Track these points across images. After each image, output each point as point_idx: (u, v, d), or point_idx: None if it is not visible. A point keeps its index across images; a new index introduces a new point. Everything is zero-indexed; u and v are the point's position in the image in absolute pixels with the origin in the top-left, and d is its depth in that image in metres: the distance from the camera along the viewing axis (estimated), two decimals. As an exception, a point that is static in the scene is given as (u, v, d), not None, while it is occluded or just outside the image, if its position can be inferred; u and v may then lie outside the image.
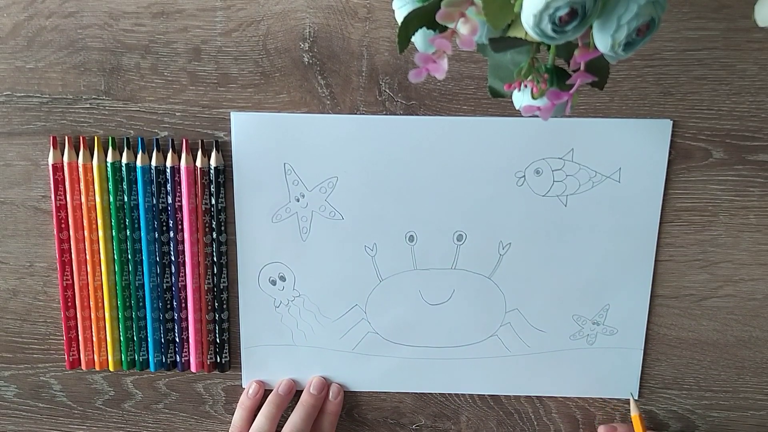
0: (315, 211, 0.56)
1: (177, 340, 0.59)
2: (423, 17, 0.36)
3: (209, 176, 0.55)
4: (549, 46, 0.37)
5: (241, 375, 0.60)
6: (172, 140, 0.55)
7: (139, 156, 0.55)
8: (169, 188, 0.56)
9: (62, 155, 0.55)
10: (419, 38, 0.39)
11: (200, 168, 0.55)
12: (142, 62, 0.54)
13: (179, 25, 0.53)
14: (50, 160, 0.55)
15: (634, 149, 0.54)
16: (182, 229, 0.56)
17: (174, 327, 0.59)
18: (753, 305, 0.58)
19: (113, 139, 0.55)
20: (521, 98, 0.39)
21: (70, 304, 0.58)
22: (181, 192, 0.56)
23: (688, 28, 0.52)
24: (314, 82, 0.54)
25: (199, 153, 0.55)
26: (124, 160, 0.55)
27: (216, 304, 0.58)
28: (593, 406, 0.61)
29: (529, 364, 0.59)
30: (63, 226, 0.56)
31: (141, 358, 0.59)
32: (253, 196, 0.56)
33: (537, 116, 0.38)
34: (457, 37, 0.35)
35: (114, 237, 0.56)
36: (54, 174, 0.55)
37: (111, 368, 0.59)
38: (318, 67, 0.53)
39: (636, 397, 0.60)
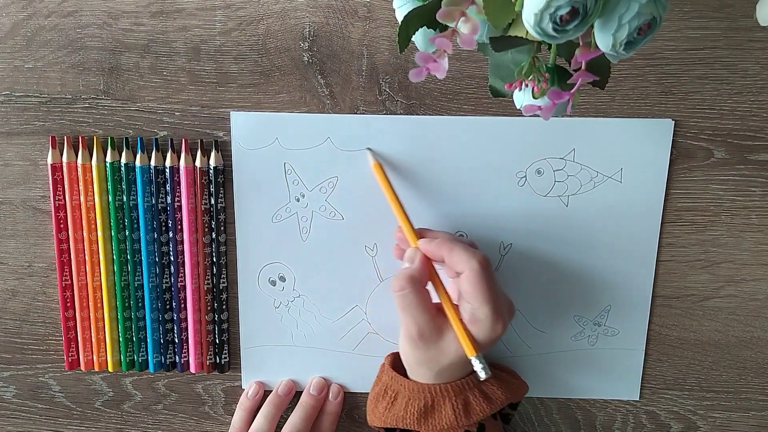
0: (315, 211, 0.56)
1: (176, 340, 0.59)
2: (423, 16, 0.36)
3: (209, 176, 0.55)
4: (550, 46, 0.37)
5: (240, 376, 0.60)
6: (172, 140, 0.55)
7: (138, 156, 0.55)
8: (168, 188, 0.55)
9: (61, 155, 0.55)
10: (420, 37, 0.38)
11: (199, 168, 0.55)
12: (142, 62, 0.54)
13: (178, 25, 0.53)
14: (49, 160, 0.55)
15: (635, 149, 0.54)
16: (181, 230, 0.56)
17: (173, 327, 0.58)
18: (755, 305, 0.58)
19: (112, 138, 0.55)
20: (522, 98, 0.39)
21: (69, 304, 0.58)
22: (180, 192, 0.55)
23: (689, 27, 0.52)
24: (314, 81, 0.54)
25: (199, 153, 0.55)
26: (123, 160, 0.55)
27: (215, 304, 0.58)
28: (594, 407, 0.60)
29: (530, 365, 0.59)
30: (62, 226, 0.56)
31: (140, 358, 0.59)
32: (253, 196, 0.56)
33: (538, 116, 0.38)
34: (458, 36, 0.34)
35: (113, 237, 0.56)
36: (53, 174, 0.55)
37: (110, 369, 0.59)
38: (318, 67, 0.53)
39: (638, 398, 0.60)
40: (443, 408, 0.51)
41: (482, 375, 0.48)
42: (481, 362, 0.48)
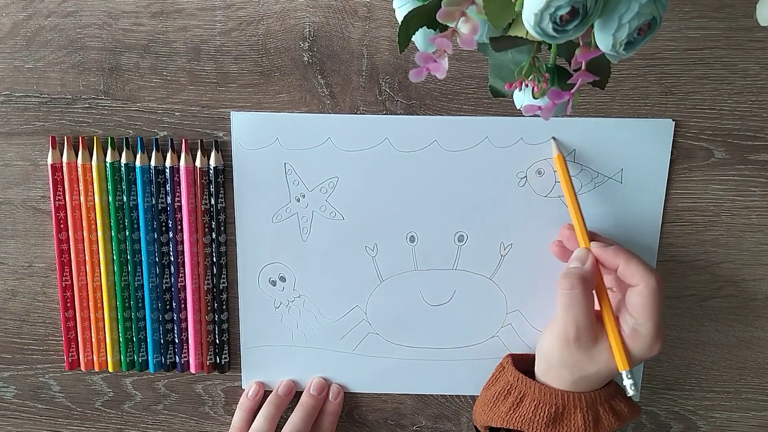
0: (315, 211, 0.56)
1: (176, 340, 0.59)
2: (423, 16, 0.35)
3: (209, 176, 0.55)
4: (550, 46, 0.37)
5: (240, 376, 0.60)
6: (172, 140, 0.55)
7: (138, 156, 0.55)
8: (168, 188, 0.55)
9: (61, 155, 0.55)
10: (420, 37, 0.38)
11: (200, 168, 0.55)
12: (142, 62, 0.54)
13: (179, 25, 0.53)
14: (49, 160, 0.55)
15: (635, 149, 0.54)
16: (182, 230, 0.56)
17: (173, 328, 0.58)
18: (755, 306, 0.58)
19: (112, 139, 0.55)
20: (522, 98, 0.39)
21: (69, 304, 0.58)
22: (180, 192, 0.55)
23: (689, 27, 0.52)
24: (314, 81, 0.54)
25: (199, 153, 0.55)
26: (123, 160, 0.55)
27: (215, 304, 0.58)
28: (594, 407, 0.60)
29: (530, 365, 0.59)
30: (62, 226, 0.56)
31: (140, 359, 0.59)
32: (253, 196, 0.56)
33: (538, 116, 0.38)
34: (458, 37, 0.34)
35: (113, 237, 0.56)
36: (53, 174, 0.55)
37: (110, 369, 0.59)
38: (318, 67, 0.53)
39: (638, 398, 0.60)
40: (573, 417, 0.50)
41: (631, 392, 0.48)
42: (631, 378, 0.48)
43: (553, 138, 0.53)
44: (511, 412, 0.52)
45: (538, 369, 0.53)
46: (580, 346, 0.49)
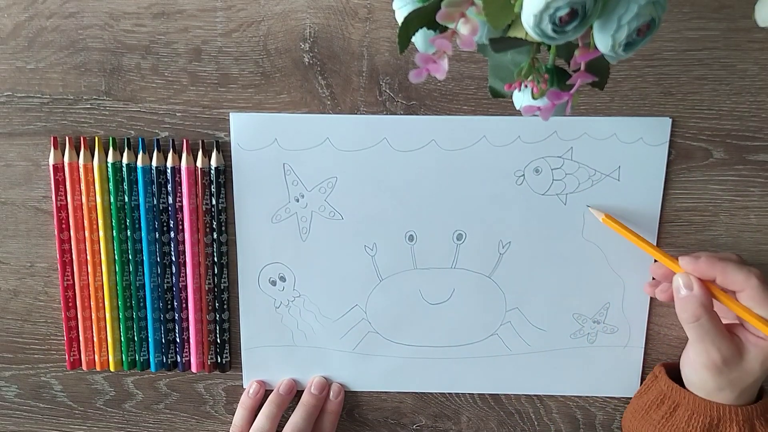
0: (315, 211, 0.56)
1: (178, 340, 0.59)
2: (423, 17, 0.36)
3: (210, 176, 0.56)
4: (549, 47, 0.37)
5: (241, 375, 0.60)
6: (173, 140, 0.55)
7: (139, 156, 0.55)
8: (169, 188, 0.56)
9: (63, 155, 0.55)
10: (419, 38, 0.39)
11: (201, 168, 0.55)
12: (143, 63, 0.54)
13: (180, 26, 0.53)
14: (51, 161, 0.55)
15: (633, 147, 0.54)
16: (183, 230, 0.56)
17: (175, 327, 0.59)
18: (753, 305, 0.58)
19: (114, 139, 0.55)
20: (521, 98, 0.39)
21: (70, 304, 0.58)
22: (181, 192, 0.56)
23: (688, 28, 0.52)
24: (315, 82, 0.54)
25: (200, 153, 0.55)
26: (124, 161, 0.55)
27: (216, 304, 0.58)
28: (594, 406, 0.61)
29: (529, 363, 0.59)
30: (64, 226, 0.56)
31: (142, 358, 0.59)
32: (252, 196, 0.56)
33: (537, 116, 0.38)
34: (458, 38, 0.35)
35: (115, 237, 0.56)
36: (55, 174, 0.55)
37: (112, 368, 0.59)
38: (318, 68, 0.54)
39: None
40: (729, 430, 0.50)
41: None
42: None
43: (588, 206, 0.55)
44: (664, 421, 0.52)
45: (698, 393, 0.52)
46: (731, 365, 0.49)
